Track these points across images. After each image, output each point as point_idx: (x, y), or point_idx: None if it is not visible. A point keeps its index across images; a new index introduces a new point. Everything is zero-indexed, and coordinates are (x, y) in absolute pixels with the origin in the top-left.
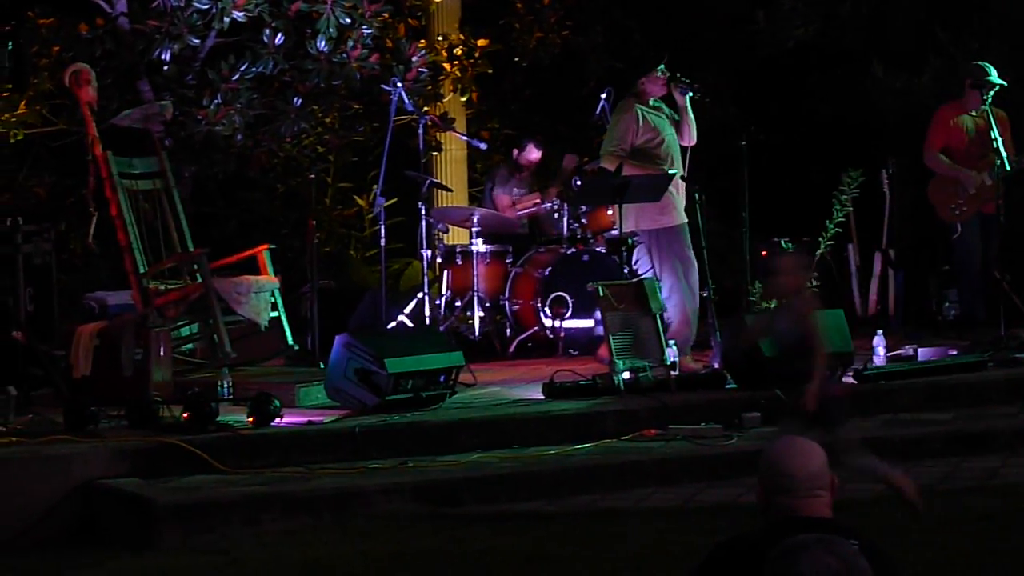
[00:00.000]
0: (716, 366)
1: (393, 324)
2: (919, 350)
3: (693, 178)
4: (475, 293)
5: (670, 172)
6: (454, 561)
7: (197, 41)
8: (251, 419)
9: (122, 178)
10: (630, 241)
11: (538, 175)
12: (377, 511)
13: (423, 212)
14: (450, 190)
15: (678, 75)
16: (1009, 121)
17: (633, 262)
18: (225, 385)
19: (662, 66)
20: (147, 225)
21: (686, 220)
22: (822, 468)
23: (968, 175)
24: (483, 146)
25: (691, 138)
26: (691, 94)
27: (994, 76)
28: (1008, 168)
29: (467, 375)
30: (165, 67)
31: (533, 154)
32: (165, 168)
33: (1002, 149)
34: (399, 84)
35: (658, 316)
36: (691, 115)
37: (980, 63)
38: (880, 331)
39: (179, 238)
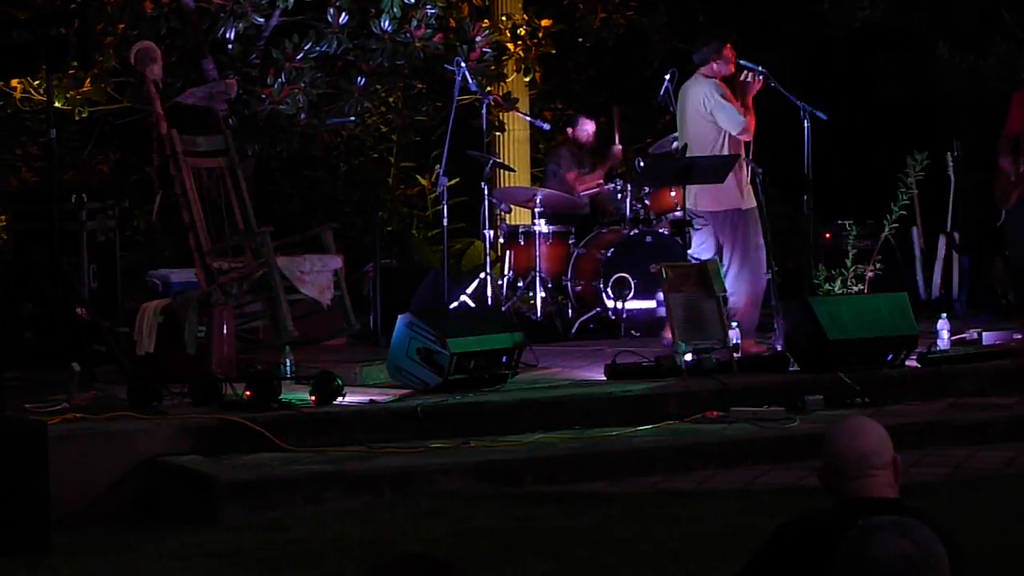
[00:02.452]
0: (779, 348)
1: (455, 304)
2: (983, 334)
3: (756, 159)
4: (537, 273)
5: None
6: (516, 540)
7: (261, 20)
8: (313, 398)
9: (186, 156)
10: (693, 224)
11: (597, 152)
12: (439, 490)
13: (486, 192)
14: (513, 170)
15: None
16: None
17: (696, 245)
18: (287, 363)
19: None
20: (211, 203)
21: (755, 203)
22: (876, 448)
23: (1007, 160)
24: (546, 126)
25: (749, 130)
26: (766, 79)
27: None
28: None
29: (529, 355)
30: (230, 46)
31: (588, 126)
32: (229, 146)
33: None
34: (462, 64)
35: (721, 299)
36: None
37: None
38: (944, 315)
39: (242, 216)
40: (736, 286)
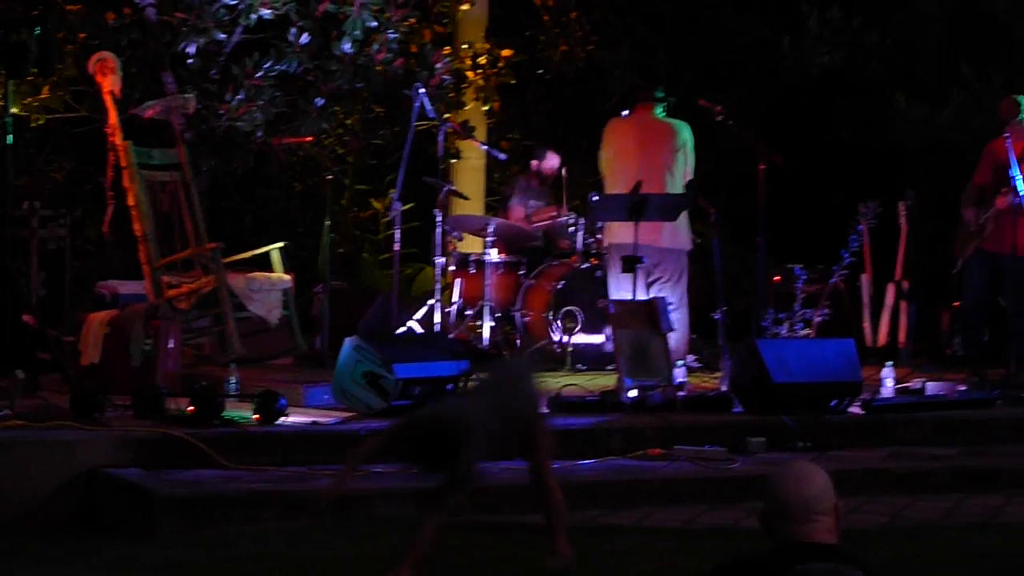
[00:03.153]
0: (724, 389)
1: (403, 329)
2: (927, 384)
3: (710, 199)
4: (486, 303)
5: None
6: (452, 569)
7: (223, 36)
8: (257, 416)
9: (141, 168)
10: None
11: (555, 187)
12: (378, 515)
13: (439, 219)
14: (467, 198)
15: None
16: None
17: (619, 283)
18: (232, 381)
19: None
20: (163, 217)
21: None
22: (820, 493)
23: (968, 211)
24: (503, 156)
25: None
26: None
27: None
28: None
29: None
30: (190, 60)
31: (553, 161)
32: (184, 161)
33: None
34: (422, 90)
35: (667, 336)
36: None
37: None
38: (889, 363)
39: (194, 231)
40: (679, 324)
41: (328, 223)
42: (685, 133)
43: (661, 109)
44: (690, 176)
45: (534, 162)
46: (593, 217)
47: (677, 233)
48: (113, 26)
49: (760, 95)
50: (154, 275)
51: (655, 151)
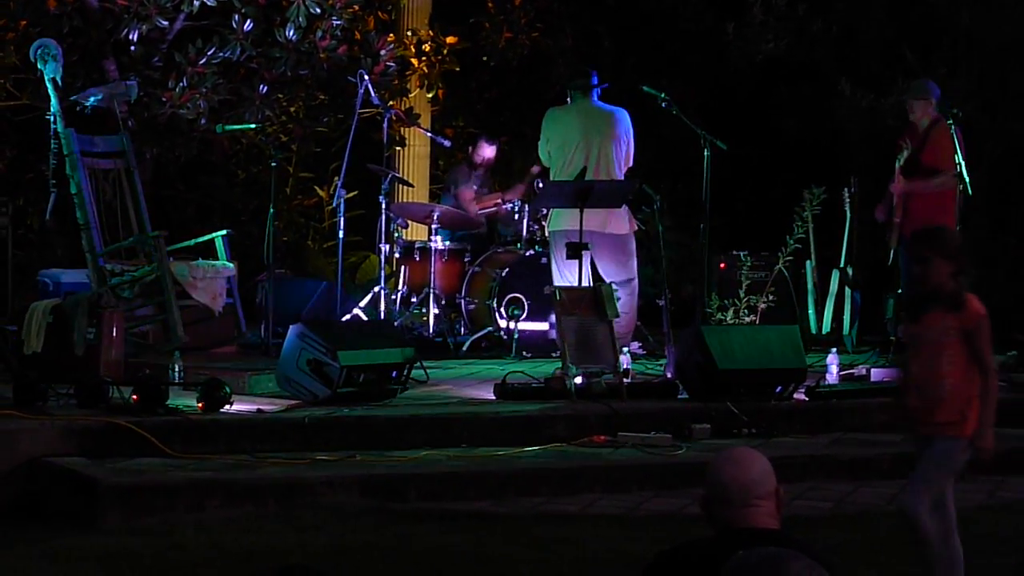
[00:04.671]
0: (669, 376)
1: (348, 317)
2: (872, 370)
3: (655, 186)
4: (431, 290)
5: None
6: (397, 557)
7: (165, 23)
8: (200, 404)
9: (83, 156)
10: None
11: (496, 173)
12: (322, 503)
13: (383, 206)
14: (411, 185)
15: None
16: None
17: (565, 269)
18: (176, 369)
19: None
20: (106, 205)
21: None
22: (760, 478)
23: (879, 206)
24: (447, 143)
25: None
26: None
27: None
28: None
29: (420, 372)
30: (132, 47)
31: (486, 151)
32: (127, 148)
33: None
34: (366, 77)
35: (613, 323)
36: None
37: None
38: (834, 350)
39: (137, 219)
40: (630, 308)
41: (272, 211)
42: (626, 120)
43: (596, 96)
44: (630, 163)
45: (469, 148)
46: (538, 204)
47: (619, 218)
48: (54, 13)
49: (704, 82)
50: (97, 263)
51: (597, 139)
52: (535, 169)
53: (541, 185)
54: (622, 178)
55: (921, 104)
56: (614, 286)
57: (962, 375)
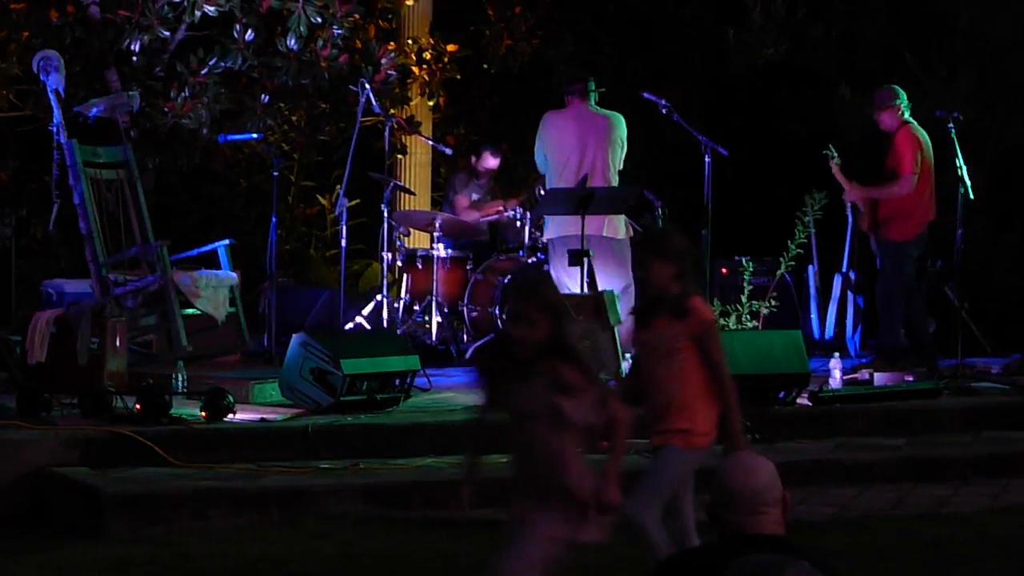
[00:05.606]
0: None
1: (350, 325)
2: (875, 375)
3: (657, 192)
4: (434, 298)
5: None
6: (401, 564)
7: (167, 33)
8: (204, 414)
9: (86, 167)
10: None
11: (498, 182)
12: (326, 511)
13: (385, 214)
14: (413, 193)
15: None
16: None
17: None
18: (179, 378)
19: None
20: (109, 215)
21: None
22: (768, 485)
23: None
24: (448, 151)
25: None
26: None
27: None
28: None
29: (423, 380)
30: (134, 58)
31: (490, 161)
32: (129, 158)
33: None
34: (367, 85)
35: (615, 329)
36: None
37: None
38: (837, 354)
39: (140, 229)
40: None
41: (274, 220)
42: (622, 125)
43: (594, 101)
44: (620, 167)
45: (472, 157)
46: (540, 211)
47: (616, 224)
48: (56, 24)
49: (705, 87)
50: (100, 273)
51: (595, 144)
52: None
53: (542, 192)
54: (615, 182)
55: (888, 113)
56: (616, 291)
57: (691, 383)
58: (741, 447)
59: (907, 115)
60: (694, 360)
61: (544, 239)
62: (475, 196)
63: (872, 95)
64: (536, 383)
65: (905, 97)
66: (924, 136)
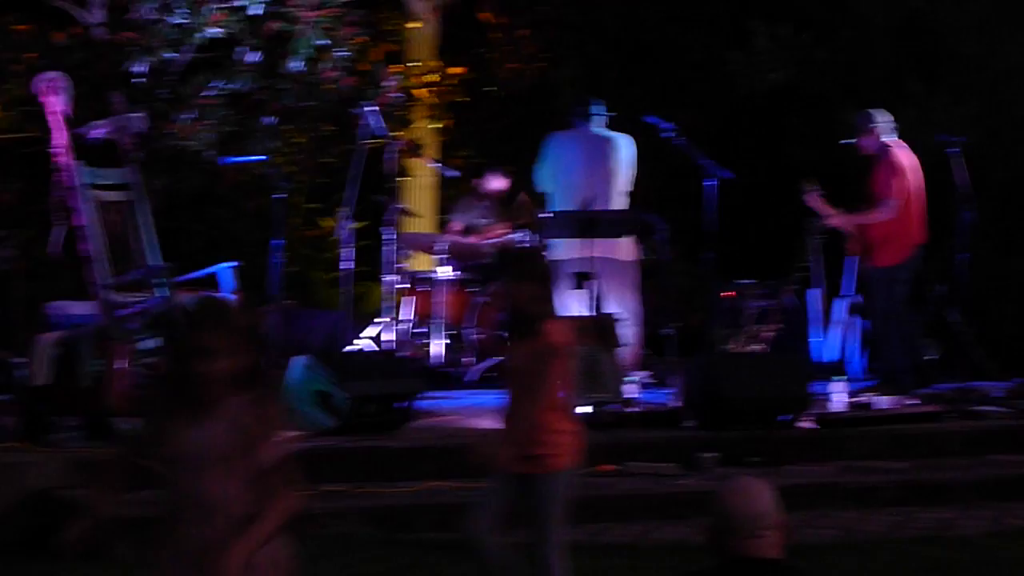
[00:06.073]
0: (676, 404)
1: (354, 348)
2: (876, 399)
3: (661, 216)
4: (438, 320)
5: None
6: None
7: (172, 55)
8: None
9: (91, 188)
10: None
11: (504, 204)
12: (330, 533)
13: (390, 237)
14: (418, 216)
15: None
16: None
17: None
18: None
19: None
20: (113, 237)
21: None
22: (766, 509)
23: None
24: (453, 173)
25: None
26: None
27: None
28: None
29: (427, 402)
30: (139, 80)
31: (494, 184)
32: (134, 180)
33: None
34: (372, 108)
35: (619, 352)
36: None
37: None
38: (839, 378)
39: (145, 251)
40: (634, 336)
41: (279, 242)
42: (628, 147)
43: (601, 124)
44: (629, 189)
45: (477, 180)
46: (544, 234)
47: (625, 246)
48: (62, 46)
49: (710, 111)
50: (104, 295)
51: (600, 166)
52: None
53: (547, 216)
54: (623, 204)
55: (866, 137)
56: (620, 314)
57: (549, 405)
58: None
59: (892, 137)
60: (551, 382)
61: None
62: (480, 219)
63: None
64: (216, 425)
65: (888, 119)
66: (910, 158)
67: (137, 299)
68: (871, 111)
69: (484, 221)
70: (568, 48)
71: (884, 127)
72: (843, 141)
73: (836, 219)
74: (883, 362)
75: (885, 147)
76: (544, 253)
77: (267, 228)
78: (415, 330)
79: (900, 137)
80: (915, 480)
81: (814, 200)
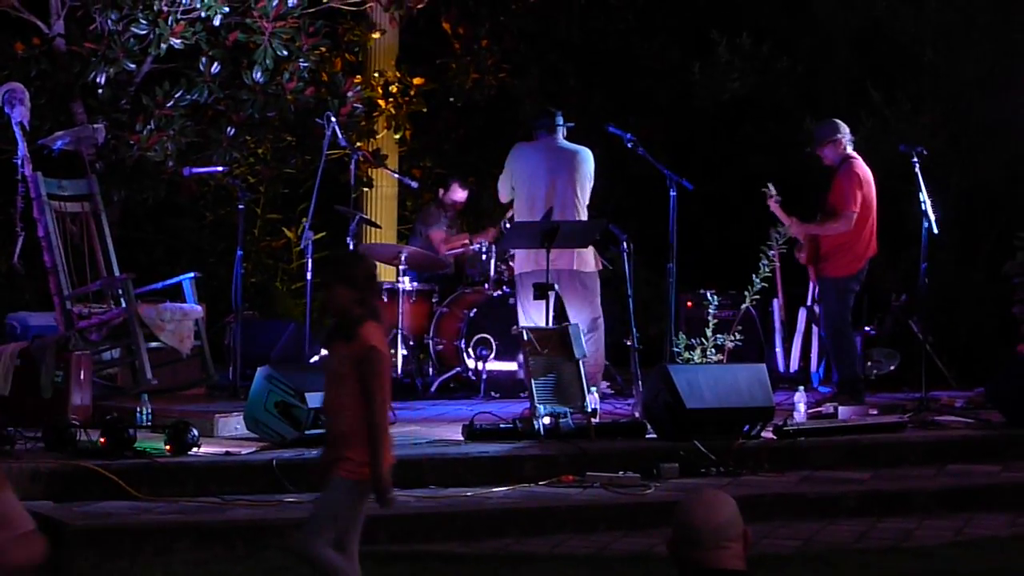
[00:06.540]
0: (637, 415)
1: (316, 358)
2: (839, 408)
3: (622, 226)
4: (399, 331)
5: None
6: None
7: (133, 66)
8: (168, 447)
9: (51, 199)
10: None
11: (465, 215)
12: (291, 545)
13: (351, 247)
14: (379, 226)
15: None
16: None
17: (532, 310)
18: (144, 412)
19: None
20: (74, 247)
21: None
22: (729, 521)
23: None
24: (414, 184)
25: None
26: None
27: None
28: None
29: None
30: (100, 90)
31: (458, 194)
32: (95, 191)
33: None
34: (333, 118)
35: (580, 362)
36: None
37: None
38: (801, 388)
39: (105, 262)
40: (597, 346)
41: (240, 252)
42: (590, 160)
43: (562, 135)
44: (586, 201)
45: (440, 190)
46: (505, 245)
47: (587, 257)
48: (22, 56)
49: (671, 120)
50: (64, 306)
51: (564, 178)
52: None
53: (508, 226)
54: (584, 216)
55: (830, 147)
56: (581, 325)
57: (358, 410)
58: (383, 492)
59: (850, 149)
60: (360, 387)
61: (516, 273)
62: (445, 229)
63: (813, 130)
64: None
65: (848, 131)
66: (867, 171)
67: (98, 310)
68: (836, 121)
69: (446, 231)
70: (528, 58)
71: (847, 138)
72: (808, 150)
73: (794, 227)
74: (839, 372)
75: (848, 158)
76: (368, 256)
77: (228, 239)
78: None
79: (860, 146)
80: (876, 490)
81: (774, 206)
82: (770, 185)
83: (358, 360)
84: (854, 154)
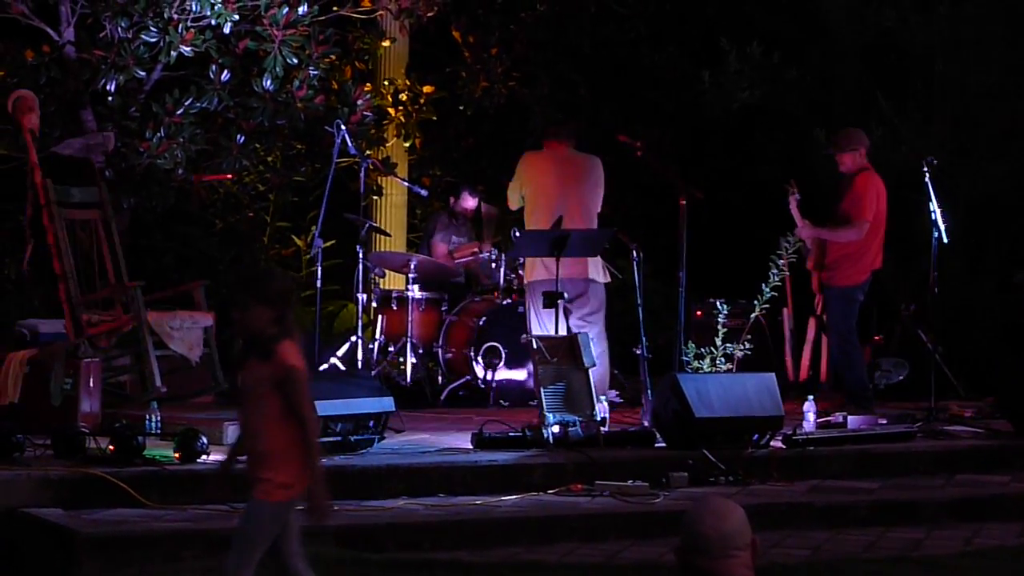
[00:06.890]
0: (646, 424)
1: (325, 366)
2: (849, 418)
3: (632, 235)
4: (409, 339)
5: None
6: None
7: (143, 73)
8: (177, 455)
9: (60, 207)
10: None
11: (476, 223)
12: None
13: (361, 255)
14: (388, 235)
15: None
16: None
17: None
18: (153, 419)
19: None
20: (83, 255)
21: None
22: (737, 529)
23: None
24: (424, 193)
25: None
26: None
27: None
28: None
29: (397, 421)
30: (110, 98)
31: (468, 202)
32: (104, 199)
33: None
34: (343, 126)
35: (590, 371)
36: None
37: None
38: (811, 397)
39: (115, 269)
40: (600, 359)
41: (250, 260)
42: (599, 168)
43: (573, 144)
44: (599, 209)
45: (451, 199)
46: (515, 253)
47: (595, 266)
48: (32, 64)
49: (680, 130)
50: (74, 313)
51: (574, 186)
52: (488, 213)
53: (518, 234)
54: (595, 225)
55: (850, 155)
56: (590, 333)
57: (278, 430)
58: (320, 507)
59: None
60: (279, 406)
61: (525, 281)
62: (455, 238)
63: (837, 133)
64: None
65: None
66: (882, 186)
67: (107, 317)
68: (862, 131)
69: (458, 240)
70: (537, 67)
71: (867, 150)
72: (829, 151)
73: (806, 230)
74: (847, 381)
75: (866, 169)
76: (283, 273)
77: (237, 246)
78: (386, 348)
79: (870, 155)
80: (885, 500)
81: (793, 204)
82: (793, 182)
83: (278, 381)
84: (870, 166)
